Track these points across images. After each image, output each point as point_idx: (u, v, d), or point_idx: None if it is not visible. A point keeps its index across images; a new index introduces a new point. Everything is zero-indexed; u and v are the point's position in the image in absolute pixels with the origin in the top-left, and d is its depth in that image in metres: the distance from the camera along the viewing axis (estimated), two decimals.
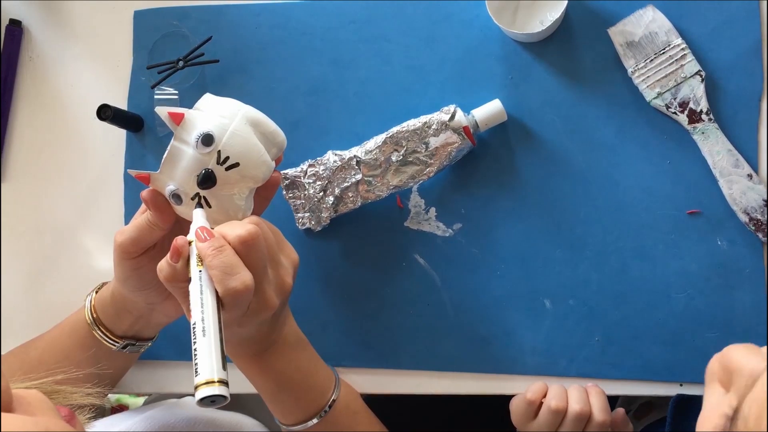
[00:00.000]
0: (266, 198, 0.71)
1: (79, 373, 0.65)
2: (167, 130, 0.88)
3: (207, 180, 0.62)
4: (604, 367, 0.78)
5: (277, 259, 0.63)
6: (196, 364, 0.55)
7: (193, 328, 0.57)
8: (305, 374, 0.72)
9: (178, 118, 0.63)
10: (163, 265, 0.60)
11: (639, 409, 0.98)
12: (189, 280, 0.60)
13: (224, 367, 0.55)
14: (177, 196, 0.64)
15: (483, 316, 0.81)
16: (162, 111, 0.63)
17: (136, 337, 0.77)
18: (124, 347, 0.76)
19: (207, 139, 0.62)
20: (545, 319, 0.79)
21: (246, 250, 0.59)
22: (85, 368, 0.76)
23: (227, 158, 0.62)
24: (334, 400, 0.74)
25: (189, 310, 0.59)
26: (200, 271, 0.58)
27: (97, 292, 0.76)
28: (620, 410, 0.76)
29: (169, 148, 0.63)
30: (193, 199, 0.63)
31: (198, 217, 0.62)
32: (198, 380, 0.54)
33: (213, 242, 0.58)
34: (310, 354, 0.74)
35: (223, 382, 0.54)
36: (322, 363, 0.75)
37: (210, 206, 0.63)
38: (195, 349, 0.56)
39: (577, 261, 0.79)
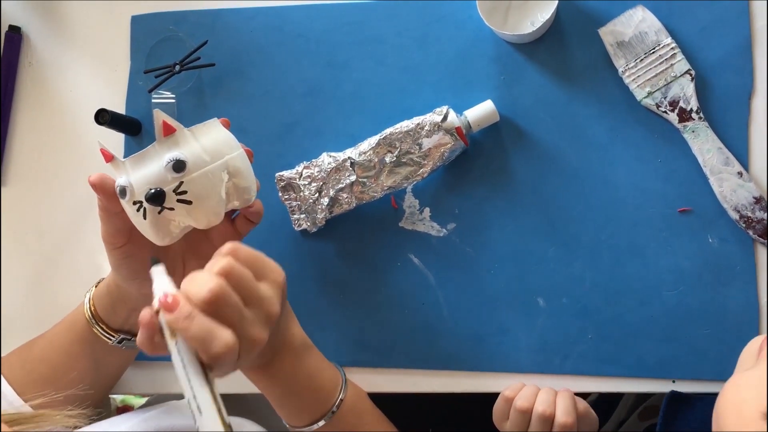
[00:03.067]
0: (251, 223, 0.72)
1: (59, 395, 0.65)
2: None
3: (154, 198, 0.63)
4: (598, 364, 0.78)
5: (257, 296, 0.58)
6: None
7: (188, 403, 0.54)
8: (312, 376, 0.73)
9: (168, 131, 0.64)
10: (142, 340, 0.56)
11: (643, 412, 0.98)
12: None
13: (225, 423, 0.53)
14: (123, 192, 0.64)
15: (477, 315, 0.81)
16: (159, 116, 0.64)
17: (131, 331, 0.78)
18: (120, 342, 0.77)
19: (178, 166, 0.63)
20: (539, 317, 0.80)
21: (215, 309, 0.55)
22: (84, 364, 0.77)
23: (184, 192, 0.63)
24: (341, 400, 0.74)
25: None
26: (176, 343, 0.55)
27: (96, 287, 0.78)
28: (582, 403, 0.75)
29: (147, 147, 0.64)
30: (134, 204, 0.64)
31: (159, 279, 0.58)
32: None
33: (180, 312, 0.54)
34: (316, 356, 0.74)
35: None
36: (328, 363, 0.76)
37: (145, 218, 0.64)
38: (198, 427, 0.53)
39: (570, 259, 0.80)
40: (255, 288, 0.58)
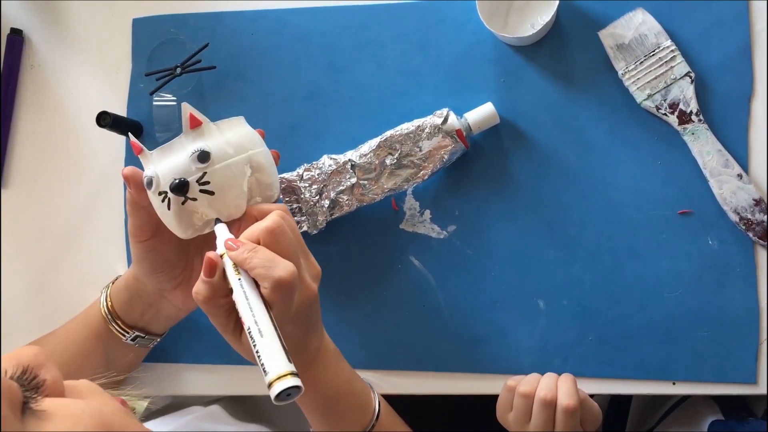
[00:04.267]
0: None
1: (119, 376, 0.66)
2: (166, 135, 0.90)
3: (178, 188, 0.63)
4: (598, 366, 0.79)
5: (303, 246, 0.64)
6: (262, 365, 0.56)
7: (249, 333, 0.57)
8: (350, 380, 0.73)
9: (194, 123, 0.65)
10: (199, 286, 0.61)
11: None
12: (227, 294, 0.61)
13: (289, 360, 0.56)
14: (150, 183, 0.65)
15: (478, 317, 0.81)
16: (186, 109, 0.64)
17: (145, 329, 0.79)
18: (134, 339, 0.78)
19: (203, 157, 0.63)
20: (539, 319, 0.80)
21: (275, 238, 0.60)
22: (96, 361, 0.78)
23: (207, 182, 0.64)
24: (379, 403, 0.74)
25: (230, 331, 0.61)
26: (239, 279, 0.59)
27: (113, 284, 0.79)
28: (582, 391, 0.76)
29: (174, 140, 0.65)
30: (160, 194, 0.64)
31: (222, 231, 0.64)
32: (269, 378, 0.55)
33: (246, 246, 0.60)
34: (347, 364, 0.74)
35: (293, 374, 0.55)
36: (356, 372, 0.76)
37: (169, 209, 0.64)
38: (257, 352, 0.56)
39: (570, 261, 0.80)
40: (302, 240, 0.64)
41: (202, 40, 0.89)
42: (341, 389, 0.71)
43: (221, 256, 0.61)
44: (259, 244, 0.60)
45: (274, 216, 0.61)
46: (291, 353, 0.63)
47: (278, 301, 0.59)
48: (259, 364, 0.56)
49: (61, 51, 0.96)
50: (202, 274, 0.60)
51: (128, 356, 0.81)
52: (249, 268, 0.59)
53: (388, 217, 0.84)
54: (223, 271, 0.61)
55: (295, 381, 0.54)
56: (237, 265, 0.60)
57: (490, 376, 0.81)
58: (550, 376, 0.74)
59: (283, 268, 0.59)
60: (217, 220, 0.65)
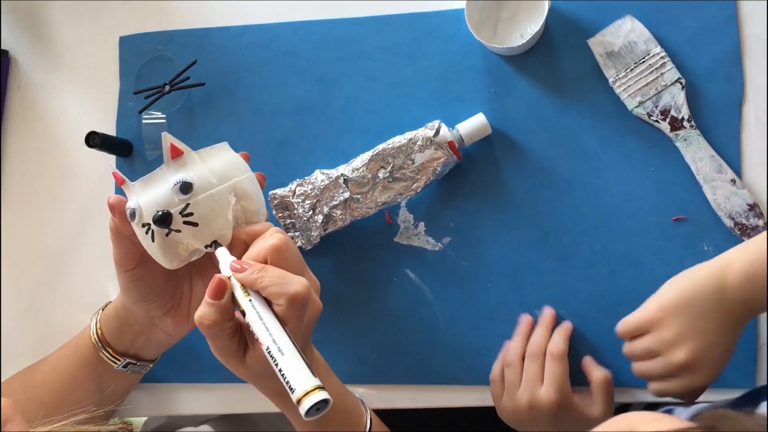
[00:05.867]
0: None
1: (99, 411, 0.66)
2: (156, 154, 0.89)
3: (161, 221, 0.63)
4: None
5: (304, 263, 0.65)
6: (287, 383, 0.55)
7: (269, 353, 0.57)
8: (341, 395, 0.73)
9: (175, 153, 0.64)
10: (205, 310, 0.60)
11: None
12: (233, 317, 0.61)
13: (313, 374, 0.56)
14: (133, 214, 0.64)
15: (475, 329, 0.81)
16: (167, 139, 0.64)
17: (137, 356, 0.78)
18: (126, 366, 0.77)
19: (185, 188, 0.63)
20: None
21: (282, 255, 0.61)
22: (88, 389, 0.77)
23: (191, 214, 0.63)
24: (370, 423, 0.74)
25: (233, 354, 0.61)
26: (250, 300, 0.60)
27: (102, 310, 0.78)
28: (587, 358, 0.78)
29: (156, 170, 0.64)
30: (143, 226, 0.64)
31: (224, 254, 0.64)
32: (297, 395, 0.55)
33: (254, 267, 0.60)
34: (336, 377, 0.74)
35: (320, 388, 0.55)
36: (344, 386, 0.76)
37: (153, 241, 0.64)
38: (280, 370, 0.56)
39: (565, 271, 0.80)
40: (302, 258, 0.64)
41: (190, 56, 0.89)
42: (333, 407, 0.71)
43: (228, 279, 0.61)
44: (266, 263, 0.61)
45: (277, 234, 0.62)
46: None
47: (294, 316, 0.59)
48: (284, 383, 0.56)
49: (48, 71, 0.96)
50: (207, 296, 0.60)
51: (120, 383, 0.80)
52: (261, 287, 0.59)
53: (382, 230, 0.84)
54: (232, 294, 0.61)
55: (323, 395, 0.55)
56: (245, 287, 0.60)
57: (487, 388, 0.80)
58: (539, 332, 0.76)
59: (296, 283, 0.59)
60: (217, 244, 0.65)
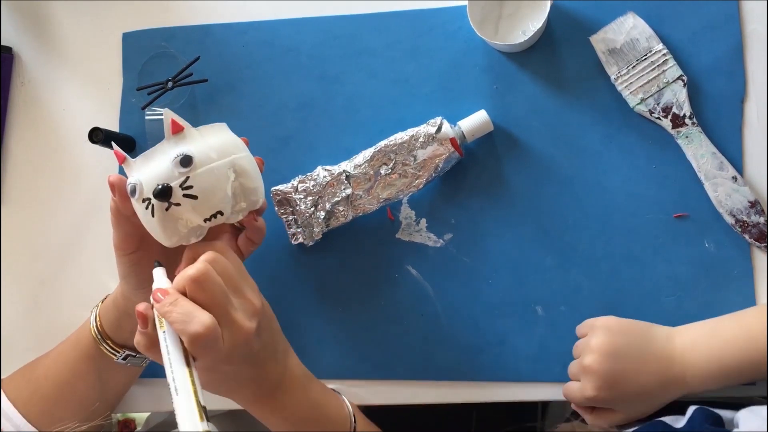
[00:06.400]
0: (254, 243, 0.73)
1: (82, 426, 0.66)
2: None
3: (162, 194, 0.63)
4: None
5: (240, 285, 0.63)
6: (178, 422, 0.56)
7: (170, 389, 0.58)
8: (319, 405, 0.73)
9: (176, 128, 0.64)
10: (138, 338, 0.62)
11: None
12: None
13: (203, 418, 0.56)
14: (134, 190, 0.64)
15: (476, 325, 0.81)
16: (168, 115, 0.64)
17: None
18: (125, 358, 0.78)
19: (185, 161, 0.63)
20: (538, 325, 0.80)
21: (200, 286, 0.60)
22: (89, 382, 0.77)
23: (190, 187, 0.63)
24: (355, 421, 0.74)
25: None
26: (164, 331, 0.60)
27: (102, 303, 0.78)
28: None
29: (156, 146, 0.65)
30: (144, 201, 0.64)
31: (157, 278, 0.64)
32: None
33: (167, 299, 0.60)
34: (319, 386, 0.74)
35: None
36: (331, 393, 0.76)
37: (153, 216, 0.64)
38: (174, 409, 0.57)
39: (567, 267, 0.80)
40: (239, 281, 0.63)
41: (193, 53, 0.89)
42: (310, 415, 0.71)
43: (152, 306, 0.62)
44: (185, 293, 0.60)
45: (199, 263, 0.60)
46: (245, 387, 0.66)
47: (199, 354, 0.59)
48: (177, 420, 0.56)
49: (51, 67, 0.96)
50: (138, 325, 0.61)
51: (121, 376, 0.80)
52: (170, 322, 0.59)
53: (384, 226, 0.84)
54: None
55: None
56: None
57: (489, 384, 0.81)
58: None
59: (198, 323, 0.58)
60: (157, 263, 0.65)
